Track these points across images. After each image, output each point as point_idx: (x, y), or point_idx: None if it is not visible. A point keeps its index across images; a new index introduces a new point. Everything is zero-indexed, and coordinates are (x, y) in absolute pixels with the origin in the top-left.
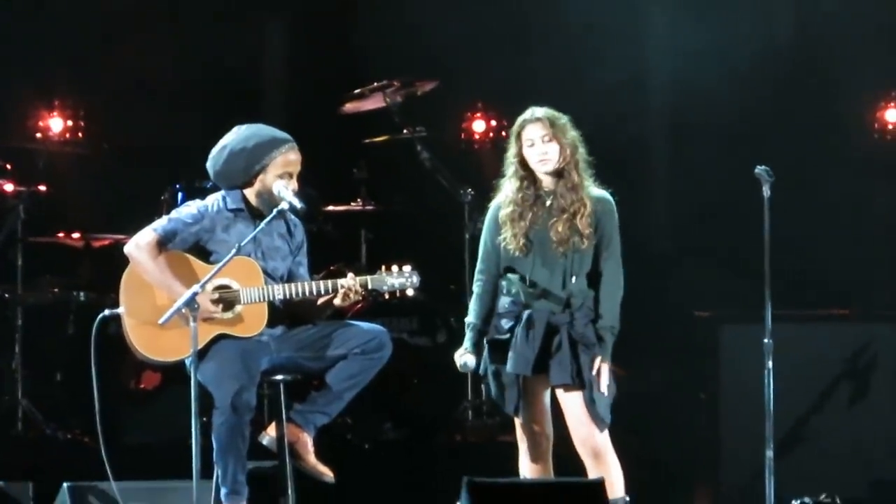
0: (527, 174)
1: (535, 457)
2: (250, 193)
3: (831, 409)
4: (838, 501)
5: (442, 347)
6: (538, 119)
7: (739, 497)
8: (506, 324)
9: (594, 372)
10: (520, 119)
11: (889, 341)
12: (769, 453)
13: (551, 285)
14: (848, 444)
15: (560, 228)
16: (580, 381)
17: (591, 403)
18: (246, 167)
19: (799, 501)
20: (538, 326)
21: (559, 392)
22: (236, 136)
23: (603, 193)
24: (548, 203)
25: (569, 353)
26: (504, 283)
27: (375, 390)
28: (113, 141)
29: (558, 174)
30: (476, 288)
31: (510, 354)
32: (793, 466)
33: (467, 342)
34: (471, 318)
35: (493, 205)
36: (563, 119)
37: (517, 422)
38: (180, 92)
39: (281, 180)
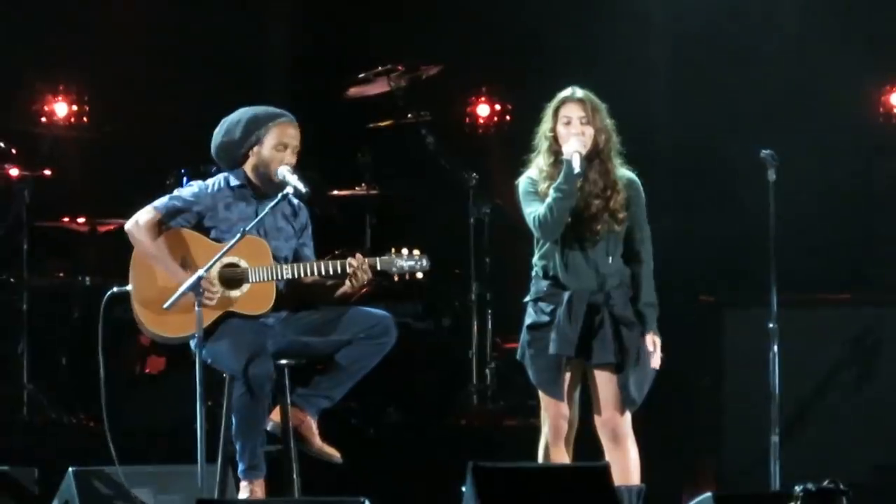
0: (560, 150)
1: (560, 441)
2: (249, 170)
3: (834, 394)
4: (842, 486)
5: (446, 331)
6: (579, 99)
7: (743, 482)
8: (546, 307)
9: (649, 348)
10: (559, 95)
11: (893, 325)
12: (774, 438)
13: (589, 265)
14: (851, 429)
15: (593, 211)
16: (622, 359)
17: (625, 384)
18: (242, 137)
19: (802, 486)
20: (579, 307)
21: (596, 372)
22: (236, 112)
23: (631, 175)
24: (579, 184)
25: (611, 332)
26: (542, 264)
27: (380, 374)
28: (117, 125)
29: (589, 158)
30: None
31: (552, 336)
32: (796, 451)
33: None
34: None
35: (524, 178)
36: (602, 106)
37: (545, 405)
38: (184, 78)
39: (285, 166)
